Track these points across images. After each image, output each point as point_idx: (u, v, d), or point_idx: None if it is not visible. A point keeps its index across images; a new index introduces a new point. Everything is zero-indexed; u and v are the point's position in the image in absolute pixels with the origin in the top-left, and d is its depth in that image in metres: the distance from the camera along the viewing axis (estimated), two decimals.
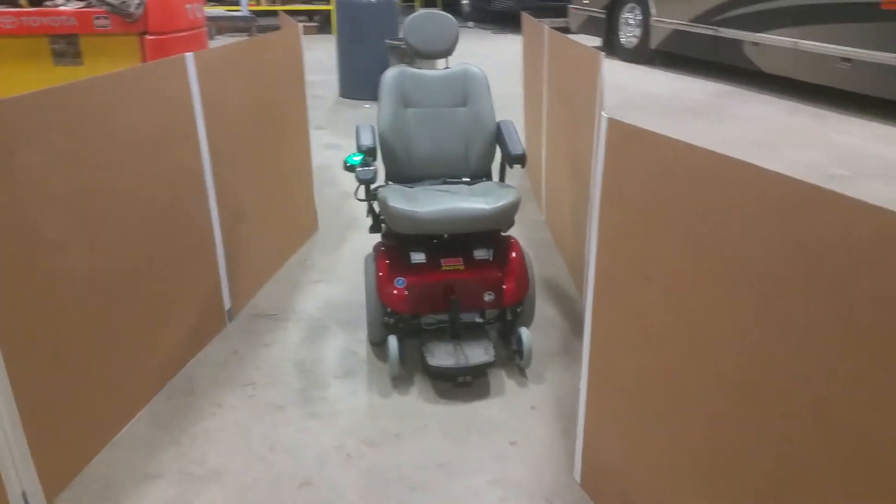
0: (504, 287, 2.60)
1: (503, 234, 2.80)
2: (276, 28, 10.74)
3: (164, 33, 4.52)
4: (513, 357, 2.74)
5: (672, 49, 8.47)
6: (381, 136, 2.83)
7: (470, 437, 2.35)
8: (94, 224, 2.18)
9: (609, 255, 1.82)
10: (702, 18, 7.83)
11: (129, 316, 2.36)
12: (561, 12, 11.43)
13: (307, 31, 11.23)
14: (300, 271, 3.54)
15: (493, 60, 9.44)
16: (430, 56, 2.95)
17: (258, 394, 2.57)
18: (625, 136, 1.70)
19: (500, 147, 2.86)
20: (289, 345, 2.89)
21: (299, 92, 3.71)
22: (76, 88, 2.08)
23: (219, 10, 10.12)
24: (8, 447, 1.89)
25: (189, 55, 2.63)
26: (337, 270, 3.54)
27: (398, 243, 2.72)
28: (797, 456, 1.33)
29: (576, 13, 10.33)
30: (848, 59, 6.28)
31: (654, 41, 8.69)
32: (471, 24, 13.48)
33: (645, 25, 8.81)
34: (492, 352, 2.55)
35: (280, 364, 2.75)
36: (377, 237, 2.95)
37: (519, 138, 2.82)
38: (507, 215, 2.55)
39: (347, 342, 2.90)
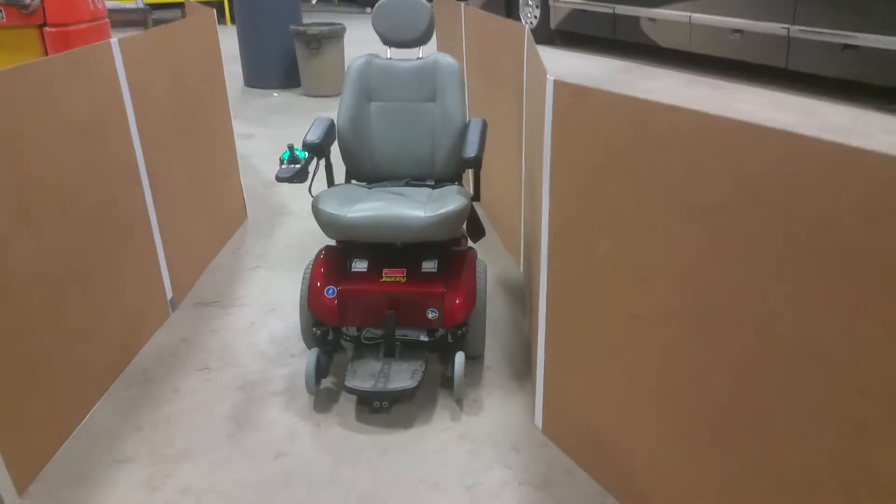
0: (446, 304, 2.34)
1: (461, 245, 2.64)
2: (171, 20, 10.36)
3: (64, 25, 4.33)
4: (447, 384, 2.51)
5: (572, 28, 8.76)
6: (339, 131, 2.64)
7: (434, 400, 2.44)
8: (37, 217, 2.12)
9: (561, 212, 1.95)
10: None
11: (76, 308, 2.31)
12: None
13: None
14: (235, 259, 3.51)
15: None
16: (400, 45, 2.70)
17: (215, 377, 2.57)
18: (572, 96, 1.81)
19: (458, 147, 2.59)
20: (238, 329, 2.89)
21: (219, 79, 3.67)
22: (4, 76, 2.02)
23: (111, 3, 9.69)
24: None
25: (114, 41, 2.58)
26: (273, 256, 3.54)
27: (345, 248, 2.54)
28: (748, 375, 1.49)
29: None
30: (739, 31, 6.69)
31: (554, 21, 8.96)
32: (368, 9, 13.43)
33: (545, 5, 9.06)
34: (419, 376, 2.31)
35: (232, 348, 2.75)
36: (315, 226, 2.92)
37: (480, 140, 2.50)
38: (445, 226, 2.27)
39: (297, 323, 2.93)
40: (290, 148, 2.46)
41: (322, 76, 6.77)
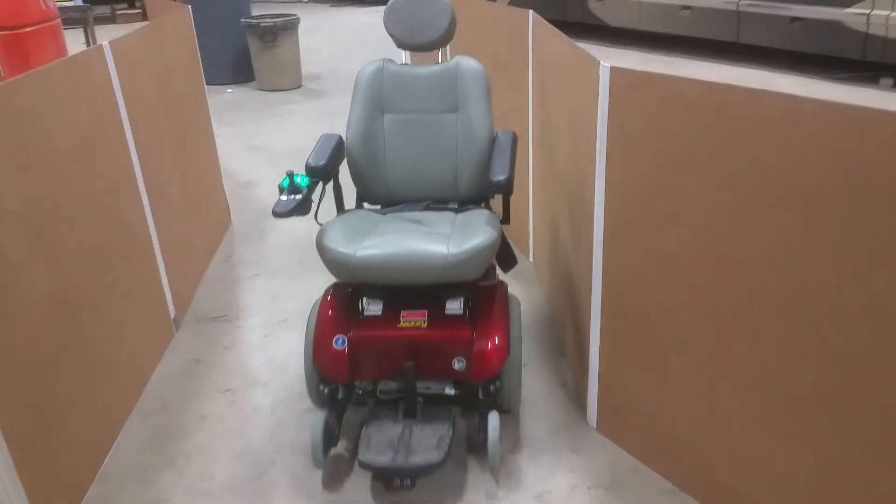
0: (474, 353, 1.99)
1: (489, 278, 2.25)
2: (110, 18, 9.87)
3: (14, 28, 4.04)
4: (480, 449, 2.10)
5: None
6: (349, 149, 2.29)
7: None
8: (50, 238, 1.94)
9: (621, 203, 1.88)
10: None
11: (90, 334, 2.13)
12: None
13: (130, 19, 10.44)
14: (229, 268, 3.34)
15: (350, 33, 9.28)
16: (417, 48, 2.34)
17: (240, 399, 2.42)
18: (635, 83, 1.74)
19: (487, 167, 2.21)
20: (252, 344, 2.73)
21: (199, 79, 3.47)
22: (4, 90, 1.82)
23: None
24: (8, 499, 1.67)
25: (105, 44, 2.38)
26: (270, 262, 3.38)
27: (352, 286, 2.17)
28: (856, 362, 1.46)
29: None
30: (688, 7, 6.77)
31: (503, 2, 8.90)
32: None
33: None
34: (445, 446, 1.93)
35: (250, 365, 2.61)
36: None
37: (511, 159, 2.17)
38: (472, 265, 1.93)
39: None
40: (290, 175, 2.08)
41: (278, 69, 6.54)
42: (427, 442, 1.94)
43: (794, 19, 5.99)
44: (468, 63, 2.31)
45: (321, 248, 1.99)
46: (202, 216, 3.32)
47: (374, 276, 1.97)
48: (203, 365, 2.61)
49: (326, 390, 2.10)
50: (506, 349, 2.03)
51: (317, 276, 3.18)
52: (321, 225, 2.09)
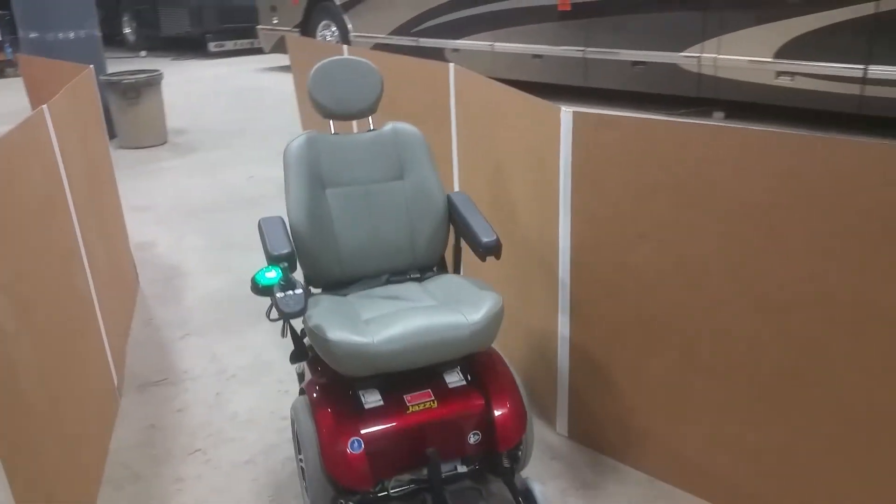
0: (496, 422, 1.90)
1: None
2: None
3: None
4: None
5: None
6: (293, 230, 2.09)
7: None
8: (32, 313, 1.86)
9: (587, 229, 2.12)
10: (401, 31, 8.48)
11: (60, 406, 2.03)
12: (245, 33, 11.36)
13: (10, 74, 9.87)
14: (153, 331, 3.23)
15: (202, 86, 9.10)
16: (346, 117, 2.23)
17: (213, 457, 2.38)
18: (598, 125, 2.00)
19: (463, 234, 2.17)
20: (206, 404, 2.68)
21: (104, 140, 3.37)
22: None
23: None
24: None
25: (45, 107, 2.31)
26: (196, 322, 3.30)
27: (336, 377, 1.92)
28: (814, 344, 1.77)
29: (267, 34, 10.37)
30: (539, 55, 7.36)
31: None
32: (143, 53, 12.66)
33: (345, 40, 9.22)
34: None
35: (213, 424, 2.56)
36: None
37: (485, 218, 2.15)
38: (492, 330, 1.88)
39: (271, 380, 2.78)
40: (284, 269, 1.83)
41: (143, 126, 6.33)
42: None
43: (636, 63, 6.71)
44: (406, 128, 2.26)
45: (326, 342, 1.77)
46: (119, 279, 3.20)
47: (397, 363, 1.80)
48: (160, 430, 2.53)
49: (347, 502, 1.85)
50: (525, 410, 1.97)
51: (252, 331, 3.17)
52: (274, 319, 1.83)
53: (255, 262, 3.83)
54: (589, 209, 2.11)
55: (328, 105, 2.20)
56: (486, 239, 2.06)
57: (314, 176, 2.14)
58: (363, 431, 1.82)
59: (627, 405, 2.22)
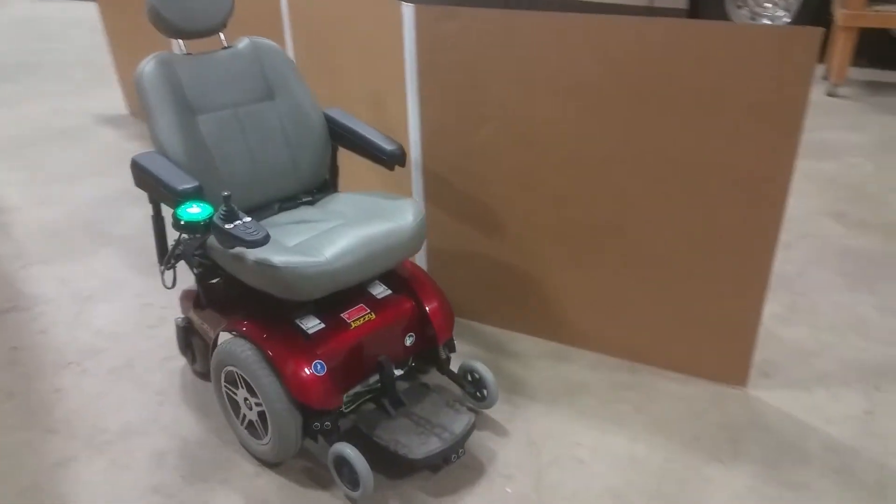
0: (431, 318, 2.04)
1: None
2: None
3: None
4: (464, 400, 2.18)
5: None
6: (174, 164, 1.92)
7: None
8: None
9: (435, 114, 2.36)
10: None
11: None
12: None
13: None
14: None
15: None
16: (199, 34, 2.03)
17: (89, 367, 2.40)
18: (439, 17, 2.22)
19: (358, 149, 2.17)
20: (67, 323, 2.66)
21: None
22: None
23: None
24: None
25: None
26: (35, 252, 3.18)
27: (267, 313, 1.92)
28: (626, 200, 2.16)
29: None
30: None
31: None
32: None
33: None
34: (460, 406, 2.00)
35: (78, 340, 2.56)
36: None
37: (375, 128, 2.19)
38: (424, 230, 1.98)
39: (129, 294, 2.80)
40: (227, 199, 1.70)
41: None
42: (444, 411, 1.97)
43: None
44: (266, 43, 2.14)
45: (275, 269, 1.73)
46: None
47: (352, 277, 1.82)
48: (25, 350, 2.49)
49: (324, 426, 1.85)
50: (446, 299, 2.09)
51: (97, 257, 3.13)
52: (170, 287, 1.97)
53: (88, 194, 3.71)
54: (436, 96, 2.34)
55: (176, 21, 1.99)
56: (390, 147, 2.12)
57: (180, 103, 1.95)
58: (319, 353, 1.84)
59: (479, 270, 2.54)
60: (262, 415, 1.89)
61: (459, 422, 1.94)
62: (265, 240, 1.67)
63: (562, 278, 2.39)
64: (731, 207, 2.04)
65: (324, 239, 1.84)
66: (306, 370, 1.79)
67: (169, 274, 2.07)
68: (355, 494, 1.83)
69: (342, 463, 1.83)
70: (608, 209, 2.21)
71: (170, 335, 2.55)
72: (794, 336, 2.46)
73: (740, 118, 1.93)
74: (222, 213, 1.71)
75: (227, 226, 1.68)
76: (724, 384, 2.25)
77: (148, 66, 1.95)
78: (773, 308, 2.61)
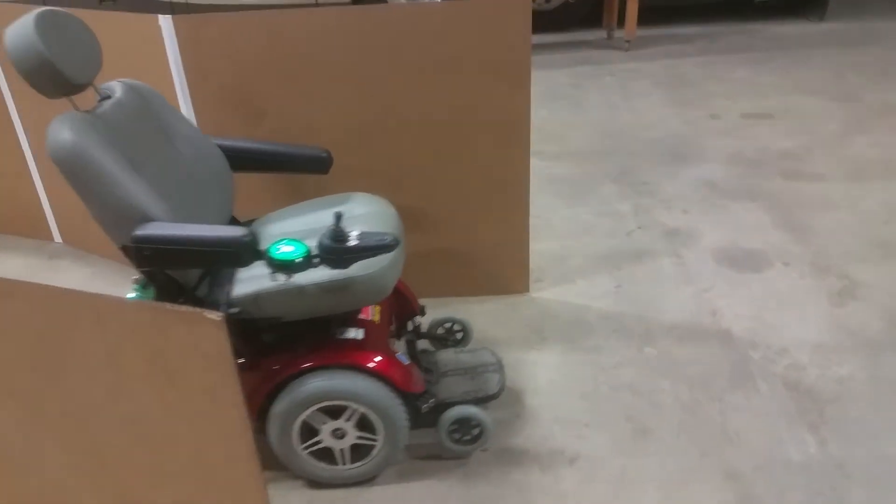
0: (405, 293, 2.26)
1: None
2: None
3: None
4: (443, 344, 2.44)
5: None
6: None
7: None
8: None
9: (213, 117, 2.46)
10: None
11: None
12: None
13: None
14: None
15: None
16: (86, 84, 1.71)
17: None
18: (199, 25, 2.33)
19: (281, 166, 2.12)
20: None
21: None
22: None
23: None
24: None
25: None
26: None
27: (310, 340, 1.90)
28: (415, 138, 2.50)
29: None
30: None
31: None
32: None
33: None
34: (470, 345, 2.37)
35: None
36: None
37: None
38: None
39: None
40: (336, 219, 1.64)
41: None
42: (465, 355, 2.21)
43: None
44: (142, 86, 1.94)
45: (352, 281, 1.75)
46: None
47: (393, 283, 1.89)
48: None
49: (431, 401, 1.98)
50: None
51: None
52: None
53: None
54: (209, 100, 2.45)
55: (72, 73, 1.65)
56: (316, 152, 2.09)
57: (123, 159, 1.68)
58: (383, 348, 1.93)
59: None
60: (356, 438, 1.93)
61: (485, 353, 2.20)
62: (396, 240, 1.65)
63: None
64: (489, 150, 2.50)
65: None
66: (402, 364, 1.92)
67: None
68: (487, 445, 2.05)
69: (462, 424, 1.99)
70: (390, 173, 2.54)
71: None
72: (546, 248, 3.05)
73: (479, 77, 2.38)
74: (334, 234, 1.60)
75: (351, 244, 1.61)
76: (514, 294, 2.74)
77: (66, 132, 1.61)
78: None
